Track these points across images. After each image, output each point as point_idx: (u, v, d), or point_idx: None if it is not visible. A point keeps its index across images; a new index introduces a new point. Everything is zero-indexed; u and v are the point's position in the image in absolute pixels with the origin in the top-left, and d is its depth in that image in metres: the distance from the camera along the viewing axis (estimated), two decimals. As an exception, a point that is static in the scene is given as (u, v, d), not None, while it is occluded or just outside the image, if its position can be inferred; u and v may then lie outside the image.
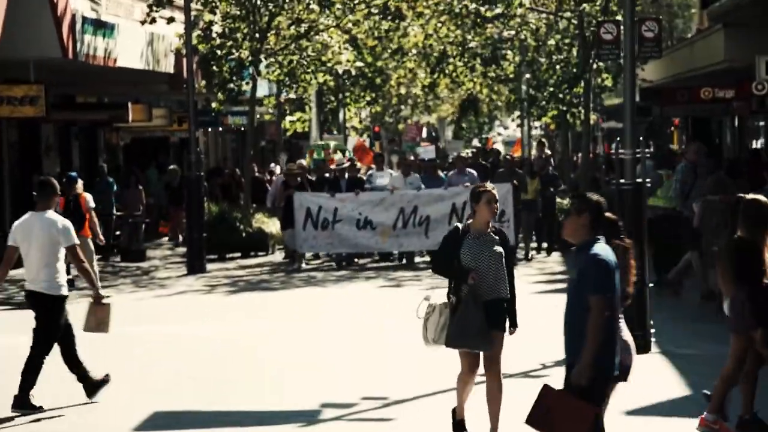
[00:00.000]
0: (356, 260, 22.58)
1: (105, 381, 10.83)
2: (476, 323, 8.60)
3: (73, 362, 10.74)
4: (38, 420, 10.27)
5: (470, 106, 49.57)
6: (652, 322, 12.79)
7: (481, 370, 8.92)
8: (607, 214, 7.79)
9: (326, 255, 22.96)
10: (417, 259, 22.26)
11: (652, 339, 12.76)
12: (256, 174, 29.23)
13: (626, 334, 7.96)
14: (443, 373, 11.03)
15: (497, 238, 8.86)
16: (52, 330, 10.58)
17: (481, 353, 8.82)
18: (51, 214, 10.76)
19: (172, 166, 28.78)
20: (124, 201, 25.22)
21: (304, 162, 27.81)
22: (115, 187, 25.08)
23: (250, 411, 10.45)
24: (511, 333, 8.88)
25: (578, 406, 6.96)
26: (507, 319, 8.84)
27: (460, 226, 8.93)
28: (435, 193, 21.69)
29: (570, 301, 7.21)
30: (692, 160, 16.94)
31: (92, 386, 10.77)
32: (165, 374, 12.08)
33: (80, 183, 18.64)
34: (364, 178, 23.64)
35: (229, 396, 11.11)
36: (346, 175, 22.96)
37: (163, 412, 10.48)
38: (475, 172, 22.63)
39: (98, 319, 10.98)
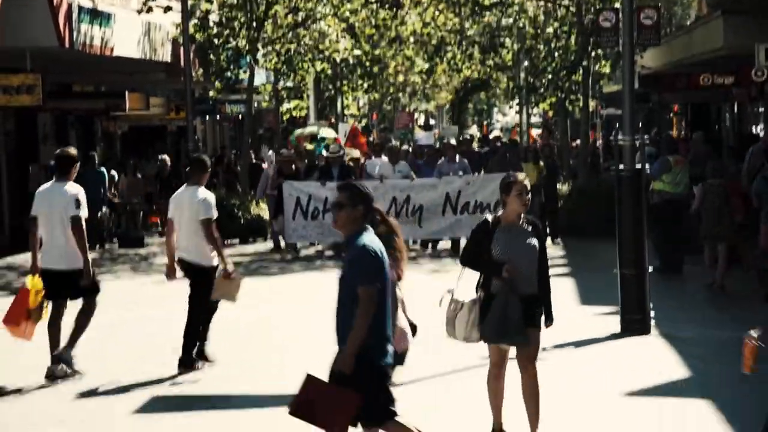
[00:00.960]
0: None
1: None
2: (515, 317, 8.25)
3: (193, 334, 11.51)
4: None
5: (480, 86, 49.41)
6: (652, 305, 12.82)
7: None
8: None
9: (320, 243, 22.39)
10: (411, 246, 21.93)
11: (652, 322, 12.78)
12: (254, 161, 29.18)
13: (402, 322, 7.89)
14: (451, 353, 11.04)
15: (530, 230, 8.51)
16: (204, 296, 11.48)
17: (516, 353, 8.49)
18: (199, 189, 11.52)
19: (161, 156, 28.14)
20: (122, 189, 25.17)
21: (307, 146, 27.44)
22: (106, 177, 24.73)
23: (248, 395, 10.45)
24: (547, 327, 8.56)
25: (341, 393, 6.88)
26: (542, 314, 8.50)
27: (489, 218, 8.55)
28: (428, 182, 21.30)
29: (340, 291, 7.13)
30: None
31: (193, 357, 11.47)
32: (164, 359, 12.05)
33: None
34: (364, 162, 23.24)
35: (229, 380, 11.09)
36: (344, 163, 22.38)
37: (162, 396, 10.49)
38: (466, 160, 22.38)
39: (225, 292, 11.74)
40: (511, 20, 29.48)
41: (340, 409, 6.86)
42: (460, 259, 8.68)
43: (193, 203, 11.46)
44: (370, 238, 7.09)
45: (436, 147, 26.03)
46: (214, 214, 11.45)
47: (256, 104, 33.55)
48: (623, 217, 12.94)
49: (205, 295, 11.51)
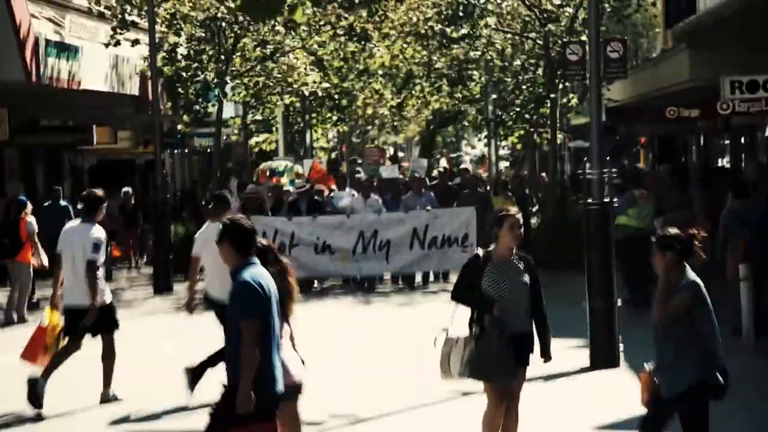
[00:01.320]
0: (315, 285, 21.68)
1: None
2: (501, 356, 8.16)
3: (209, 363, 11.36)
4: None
5: (450, 119, 49.46)
6: (621, 338, 12.82)
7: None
8: (261, 239, 7.80)
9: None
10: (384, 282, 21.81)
11: (621, 354, 12.78)
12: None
13: (287, 355, 7.86)
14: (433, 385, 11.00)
15: (522, 265, 8.39)
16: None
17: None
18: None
19: (124, 189, 27.77)
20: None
21: (284, 179, 27.17)
22: (71, 211, 24.45)
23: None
24: (545, 362, 8.53)
25: (260, 428, 6.98)
26: (532, 352, 8.43)
27: (480, 252, 8.46)
28: (394, 217, 21.23)
29: (230, 326, 7.19)
30: None
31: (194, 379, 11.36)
32: (137, 395, 11.93)
33: (29, 207, 18.34)
34: (331, 196, 22.99)
35: (204, 416, 10.98)
36: (318, 196, 22.28)
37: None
38: (432, 194, 22.21)
39: None
40: (479, 53, 29.57)
41: None
42: (451, 294, 8.60)
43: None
44: (252, 272, 7.10)
45: (400, 180, 25.67)
46: None
47: (225, 137, 33.49)
48: (592, 250, 12.96)
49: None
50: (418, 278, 21.83)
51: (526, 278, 8.32)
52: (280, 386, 7.20)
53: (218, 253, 11.16)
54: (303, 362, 8.17)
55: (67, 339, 11.53)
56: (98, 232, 11.54)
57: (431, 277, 21.99)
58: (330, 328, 16.82)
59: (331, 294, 21.19)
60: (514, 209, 8.58)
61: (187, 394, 11.30)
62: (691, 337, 7.46)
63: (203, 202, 28.87)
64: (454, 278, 21.25)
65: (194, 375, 11.35)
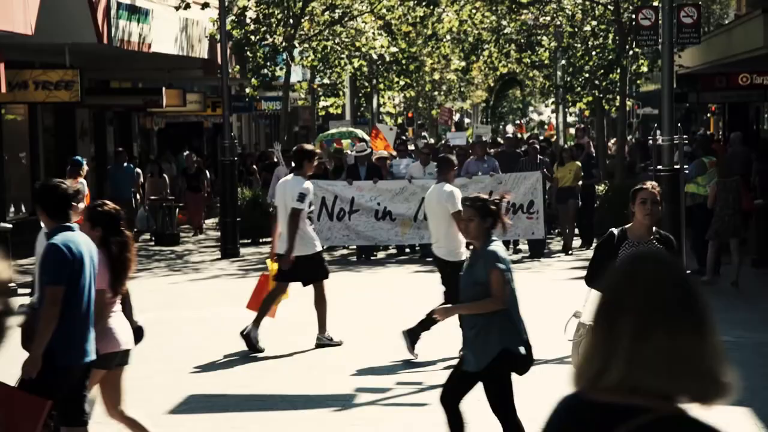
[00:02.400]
0: (375, 254, 21.31)
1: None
2: None
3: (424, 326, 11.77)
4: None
5: (512, 82, 49.17)
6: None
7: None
8: (109, 204, 7.59)
9: (344, 247, 21.78)
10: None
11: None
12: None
13: (115, 322, 7.57)
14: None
15: (660, 245, 7.62)
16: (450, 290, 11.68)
17: None
18: (446, 185, 12.02)
19: (185, 152, 27.68)
20: (147, 189, 25.11)
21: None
22: (135, 173, 24.54)
23: (284, 395, 10.45)
24: None
25: (28, 399, 6.57)
26: None
27: (615, 231, 7.76)
28: (458, 182, 19.59)
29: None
30: None
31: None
32: (200, 358, 12.08)
33: (85, 168, 18.38)
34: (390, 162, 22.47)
35: (264, 379, 11.10)
36: (367, 162, 21.49)
37: (198, 395, 10.50)
38: (495, 160, 21.49)
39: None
40: (548, 18, 29.30)
41: (28, 415, 6.52)
42: (585, 278, 7.95)
43: (439, 199, 11.93)
44: (65, 236, 6.86)
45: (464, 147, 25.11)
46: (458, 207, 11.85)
47: (292, 101, 33.58)
48: (662, 218, 12.84)
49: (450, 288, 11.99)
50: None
51: None
52: (78, 359, 6.92)
53: (437, 211, 11.94)
54: (139, 330, 7.91)
55: (275, 284, 12.38)
56: (306, 183, 12.20)
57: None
58: (392, 294, 16.80)
59: (389, 263, 20.61)
60: (649, 183, 7.96)
61: (408, 354, 11.74)
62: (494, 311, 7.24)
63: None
64: (520, 246, 21.34)
65: (411, 336, 11.75)
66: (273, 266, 12.49)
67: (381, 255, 21.61)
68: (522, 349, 7.31)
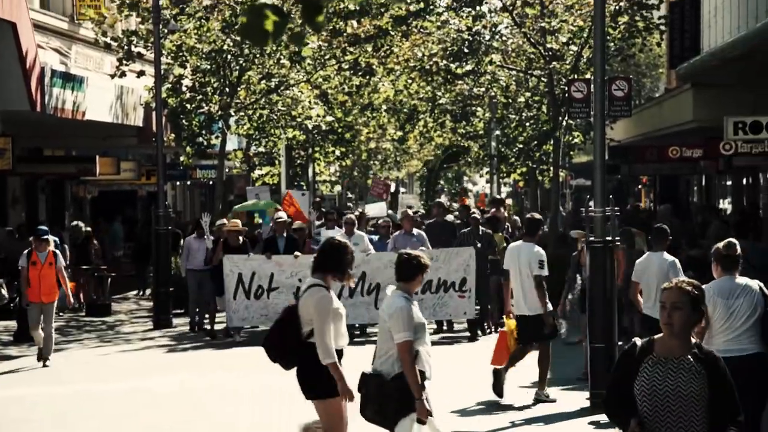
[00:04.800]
0: None
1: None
2: None
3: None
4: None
5: (455, 155, 49.35)
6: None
7: None
8: None
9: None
10: (369, 330, 18.70)
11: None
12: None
13: None
14: None
15: (700, 366, 5.76)
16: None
17: None
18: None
19: (74, 222, 25.58)
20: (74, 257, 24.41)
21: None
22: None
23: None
24: None
25: None
26: None
27: (638, 342, 5.93)
28: (385, 258, 18.46)
29: None
30: None
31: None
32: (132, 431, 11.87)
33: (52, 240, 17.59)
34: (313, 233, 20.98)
35: None
36: (285, 233, 19.74)
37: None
38: (423, 233, 19.78)
39: None
40: (483, 89, 29.63)
41: None
42: (603, 402, 6.38)
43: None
44: None
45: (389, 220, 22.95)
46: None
47: (227, 170, 33.52)
48: (593, 289, 12.91)
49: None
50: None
51: (699, 387, 5.72)
52: None
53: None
54: None
55: (519, 344, 13.28)
56: (540, 250, 13.51)
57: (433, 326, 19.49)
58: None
59: None
60: (675, 280, 5.99)
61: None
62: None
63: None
64: (454, 326, 20.12)
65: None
66: (510, 323, 13.41)
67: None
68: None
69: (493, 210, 22.93)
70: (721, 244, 9.21)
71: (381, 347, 8.33)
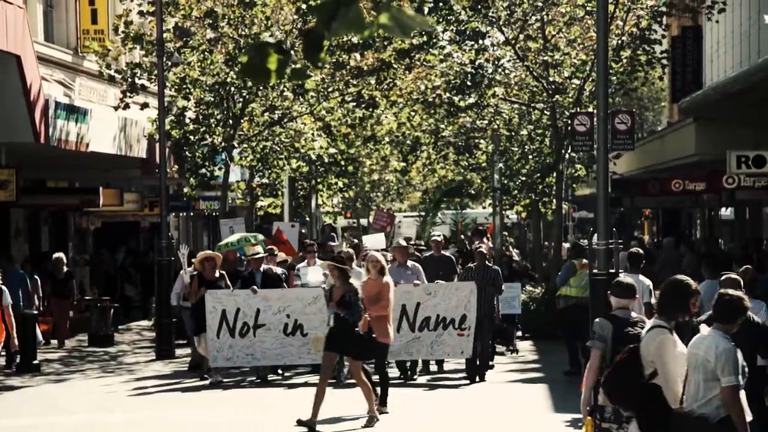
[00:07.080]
0: (279, 371, 18.41)
1: None
2: None
3: None
4: None
5: (457, 189, 49.41)
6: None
7: None
8: None
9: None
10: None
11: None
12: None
13: None
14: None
15: None
16: None
17: None
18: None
19: (55, 255, 24.37)
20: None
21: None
22: (27, 280, 21.45)
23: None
24: None
25: None
26: None
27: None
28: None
29: None
30: None
31: None
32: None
33: None
34: (296, 270, 19.09)
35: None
36: (262, 268, 18.36)
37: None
38: (419, 266, 18.12)
39: None
40: (486, 122, 29.71)
41: None
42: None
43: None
44: None
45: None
46: None
47: (230, 201, 33.54)
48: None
49: None
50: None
51: None
52: None
53: None
54: None
55: None
56: (647, 281, 13.55)
57: (419, 365, 18.47)
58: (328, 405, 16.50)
59: (302, 384, 17.42)
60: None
61: None
62: None
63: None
64: (450, 366, 18.43)
65: None
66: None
67: (291, 373, 18.65)
68: None
69: (477, 243, 20.72)
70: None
71: (696, 388, 7.78)
